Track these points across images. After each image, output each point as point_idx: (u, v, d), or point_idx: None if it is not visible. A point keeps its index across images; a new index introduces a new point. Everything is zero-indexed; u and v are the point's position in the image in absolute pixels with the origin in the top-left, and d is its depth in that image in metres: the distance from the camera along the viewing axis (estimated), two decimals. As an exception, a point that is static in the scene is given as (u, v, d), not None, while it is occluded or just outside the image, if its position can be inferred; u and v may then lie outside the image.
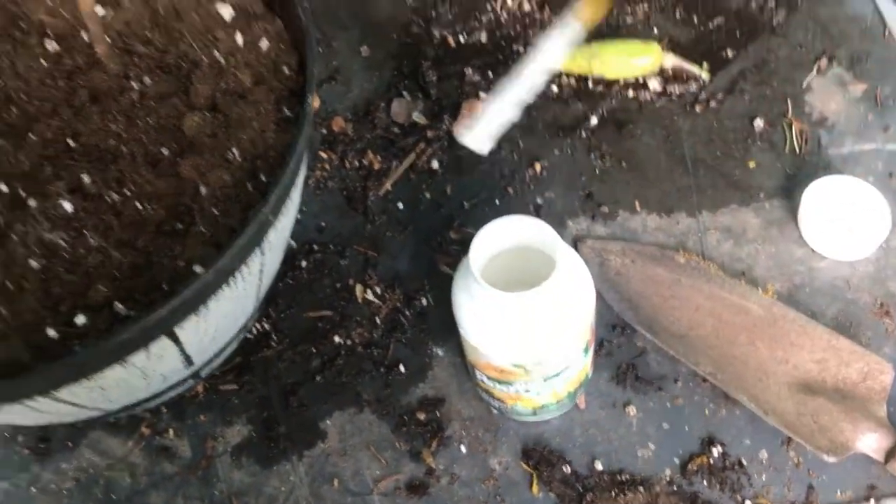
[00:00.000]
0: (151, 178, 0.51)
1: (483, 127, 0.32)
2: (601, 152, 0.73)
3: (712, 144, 0.72)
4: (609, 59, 0.75)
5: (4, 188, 0.51)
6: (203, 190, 0.51)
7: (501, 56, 0.78)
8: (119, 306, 0.48)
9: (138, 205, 0.51)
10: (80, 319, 0.47)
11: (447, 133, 0.74)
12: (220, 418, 0.63)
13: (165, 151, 0.53)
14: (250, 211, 0.50)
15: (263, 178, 0.51)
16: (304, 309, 0.67)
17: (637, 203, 0.70)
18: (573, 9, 0.27)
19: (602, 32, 0.77)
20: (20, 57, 0.56)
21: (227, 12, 0.57)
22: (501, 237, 0.52)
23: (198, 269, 0.49)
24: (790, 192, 0.69)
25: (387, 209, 0.72)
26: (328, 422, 0.63)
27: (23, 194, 0.51)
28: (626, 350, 0.64)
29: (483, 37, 0.79)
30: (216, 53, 0.55)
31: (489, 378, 0.56)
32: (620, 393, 0.62)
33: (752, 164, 0.71)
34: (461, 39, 0.80)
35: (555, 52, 0.28)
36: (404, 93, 0.77)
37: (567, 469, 0.59)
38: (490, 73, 0.77)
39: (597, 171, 0.72)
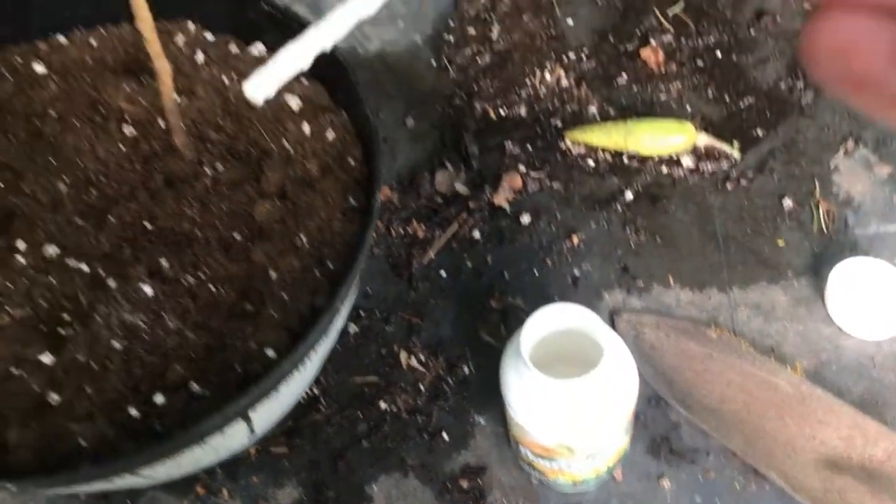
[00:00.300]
0: (225, 262, 0.55)
1: (268, 73, 0.28)
2: (636, 226, 0.76)
3: (743, 222, 0.76)
4: (644, 137, 0.78)
5: (86, 268, 0.55)
6: (273, 274, 0.55)
7: (540, 129, 0.82)
8: (195, 386, 0.51)
9: (212, 287, 0.54)
10: (159, 399, 0.51)
11: (488, 204, 0.78)
12: (272, 480, 0.66)
13: (237, 236, 0.56)
14: (317, 297, 0.53)
15: (330, 266, 0.55)
16: (352, 374, 0.70)
17: (671, 277, 0.74)
18: None
19: (637, 110, 0.81)
20: (100, 141, 0.59)
21: (294, 103, 0.60)
22: (551, 322, 0.55)
23: (270, 352, 0.52)
24: (818, 270, 0.72)
25: (430, 277, 0.75)
26: (374, 486, 0.66)
27: (103, 275, 0.55)
28: (660, 423, 0.67)
29: (523, 110, 0.83)
30: (285, 142, 0.59)
31: (533, 453, 0.59)
32: (655, 465, 0.65)
33: (780, 243, 0.74)
34: (502, 113, 0.83)
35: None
36: (447, 163, 0.81)
37: (605, 539, 0.62)
38: (529, 147, 0.81)
39: (632, 245, 0.76)
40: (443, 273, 0.75)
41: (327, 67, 0.61)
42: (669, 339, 0.70)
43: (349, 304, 0.57)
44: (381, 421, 0.68)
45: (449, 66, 0.86)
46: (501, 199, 0.78)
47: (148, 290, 0.53)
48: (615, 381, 0.54)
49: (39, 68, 0.62)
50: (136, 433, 0.49)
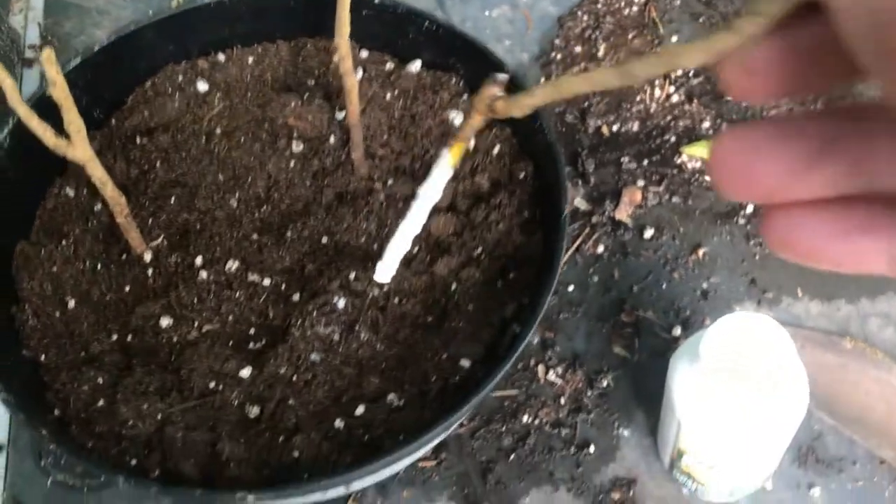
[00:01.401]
0: (407, 276, 0.55)
1: (391, 259, 0.37)
2: (759, 239, 0.77)
3: (864, 234, 0.77)
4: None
5: (268, 282, 0.56)
6: (455, 286, 0.55)
7: (653, 145, 0.83)
8: (392, 397, 0.52)
9: (397, 301, 0.55)
10: (360, 410, 0.51)
11: (610, 219, 0.79)
12: (423, 495, 0.67)
13: (416, 250, 0.57)
14: (506, 308, 0.54)
15: (512, 277, 0.56)
16: (492, 388, 0.71)
17: (799, 289, 0.75)
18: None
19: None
20: (269, 158, 0.60)
21: (458, 120, 0.61)
22: (733, 333, 0.56)
23: (465, 363, 0.53)
24: (943, 281, 0.74)
25: (558, 291, 0.76)
26: (526, 500, 0.66)
27: (288, 290, 0.55)
28: (804, 431, 0.68)
29: (635, 126, 0.84)
30: (452, 157, 0.60)
31: (694, 462, 0.60)
32: (803, 474, 0.66)
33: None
34: (614, 129, 0.84)
35: (435, 190, 0.33)
36: (565, 179, 0.82)
37: (764, 549, 0.63)
38: (645, 161, 0.82)
39: (757, 258, 0.77)
40: (570, 288, 0.76)
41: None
42: (805, 350, 0.71)
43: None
44: (526, 434, 0.69)
45: (559, 84, 0.87)
46: (623, 213, 0.79)
47: (341, 303, 0.53)
48: (793, 399, 0.55)
49: (202, 86, 0.63)
50: (343, 445, 0.49)
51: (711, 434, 0.56)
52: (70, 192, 0.59)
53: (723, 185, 0.16)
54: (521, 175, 0.59)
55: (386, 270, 0.40)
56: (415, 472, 0.68)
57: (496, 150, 0.60)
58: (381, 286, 0.55)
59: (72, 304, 0.55)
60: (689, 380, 0.57)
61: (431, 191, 0.35)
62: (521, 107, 0.26)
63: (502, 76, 0.28)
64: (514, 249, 0.56)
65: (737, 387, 0.53)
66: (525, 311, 0.54)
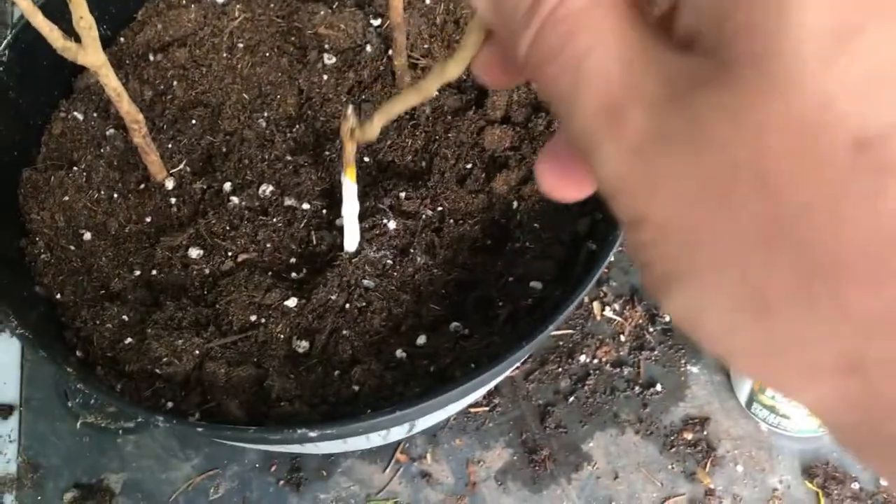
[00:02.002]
0: (463, 195, 0.49)
1: (350, 231, 0.44)
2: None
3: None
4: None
5: (307, 206, 0.50)
6: (516, 204, 0.49)
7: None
8: (455, 324, 0.46)
9: (453, 221, 0.49)
10: (421, 339, 0.45)
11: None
12: (477, 442, 0.61)
13: (469, 166, 0.51)
14: (579, 223, 0.48)
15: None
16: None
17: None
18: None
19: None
20: (299, 72, 0.54)
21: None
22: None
23: (535, 284, 0.47)
24: None
25: (607, 224, 0.70)
26: (591, 444, 0.61)
27: (331, 214, 0.49)
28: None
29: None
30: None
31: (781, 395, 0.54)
32: (891, 406, 0.61)
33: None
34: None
35: (354, 207, 0.42)
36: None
37: (856, 486, 0.57)
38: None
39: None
40: (621, 219, 0.70)
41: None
42: None
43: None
44: (585, 375, 0.63)
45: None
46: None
47: (392, 224, 0.47)
48: None
49: (221, -4, 0.56)
50: (408, 375, 0.43)
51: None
52: (78, 115, 0.53)
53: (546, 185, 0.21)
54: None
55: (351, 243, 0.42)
56: (467, 418, 0.62)
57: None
58: (433, 207, 0.49)
59: (87, 236, 0.49)
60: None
61: (350, 207, 0.40)
62: (371, 132, 0.32)
63: (350, 108, 0.36)
64: (582, 160, 0.50)
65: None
66: (600, 227, 0.48)
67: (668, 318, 0.65)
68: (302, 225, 0.49)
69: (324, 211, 0.49)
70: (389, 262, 0.47)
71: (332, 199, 0.50)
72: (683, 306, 0.17)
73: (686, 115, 0.16)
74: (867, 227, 0.15)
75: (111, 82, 0.45)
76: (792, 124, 0.15)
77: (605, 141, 0.17)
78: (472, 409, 0.62)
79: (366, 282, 0.46)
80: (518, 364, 0.61)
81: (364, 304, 0.45)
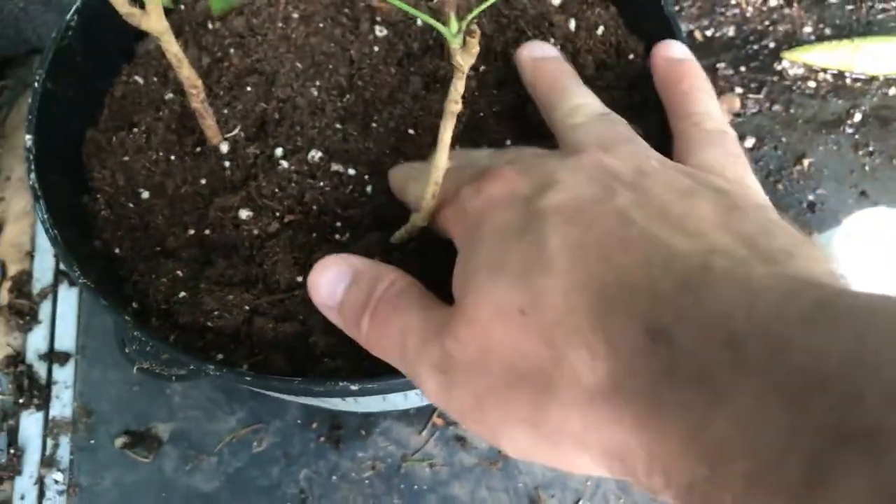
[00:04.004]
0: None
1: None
2: (869, 149, 0.71)
3: None
4: (876, 56, 0.73)
5: (353, 172, 0.51)
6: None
7: (751, 50, 0.77)
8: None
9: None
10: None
11: (706, 127, 0.73)
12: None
13: (507, 142, 0.52)
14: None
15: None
16: None
17: (915, 201, 0.69)
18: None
19: (854, 30, 0.76)
20: (351, 43, 0.55)
21: None
22: (867, 228, 0.50)
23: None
24: None
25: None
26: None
27: (376, 180, 0.51)
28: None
29: (731, 31, 0.78)
30: (551, 40, 0.55)
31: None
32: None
33: None
34: (708, 34, 0.78)
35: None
36: (655, 86, 0.76)
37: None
38: (743, 68, 0.76)
39: (866, 168, 0.71)
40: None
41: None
42: (924, 263, 0.66)
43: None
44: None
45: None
46: (720, 121, 0.73)
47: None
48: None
49: (278, -33, 0.58)
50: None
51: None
52: (139, 79, 0.55)
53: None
54: (631, 55, 0.54)
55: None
56: (501, 389, 0.64)
57: (600, 30, 0.55)
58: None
59: (145, 195, 0.51)
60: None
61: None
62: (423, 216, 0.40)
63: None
64: (625, 137, 0.51)
65: (875, 285, 0.48)
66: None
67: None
68: (348, 190, 0.51)
69: (365, 176, 0.51)
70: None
71: (379, 166, 0.52)
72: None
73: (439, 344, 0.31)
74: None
75: (172, 48, 0.46)
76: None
77: (424, 381, 0.31)
78: (507, 379, 0.64)
79: (410, 245, 0.48)
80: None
81: (408, 270, 0.47)
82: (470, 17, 0.35)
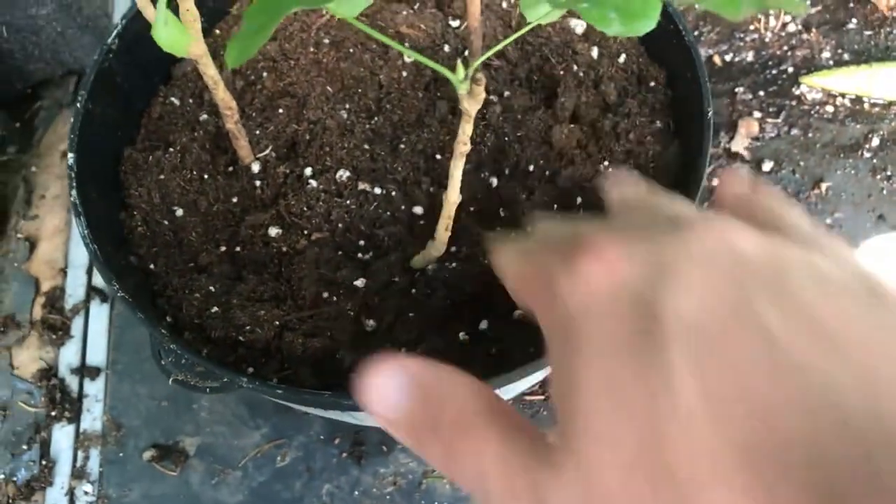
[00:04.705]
0: (529, 186, 0.52)
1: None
2: (887, 174, 0.72)
3: None
4: (891, 80, 0.74)
5: (379, 191, 0.53)
6: (579, 199, 0.52)
7: (769, 75, 0.78)
8: (518, 312, 0.49)
9: (521, 213, 0.51)
10: (484, 325, 0.48)
11: (725, 151, 0.74)
12: (532, 428, 0.64)
13: (535, 166, 0.53)
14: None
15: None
16: None
17: (933, 225, 0.70)
18: None
19: (872, 55, 0.77)
20: (381, 68, 0.57)
21: (580, 27, 0.58)
22: (882, 254, 0.51)
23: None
24: None
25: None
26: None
27: (401, 200, 0.52)
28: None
29: (750, 56, 0.80)
30: (574, 66, 0.56)
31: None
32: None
33: None
34: (727, 59, 0.80)
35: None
36: (675, 111, 0.77)
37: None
38: (761, 93, 0.77)
39: (884, 192, 0.72)
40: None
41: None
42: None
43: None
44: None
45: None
46: (739, 146, 0.75)
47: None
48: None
49: (309, -5, 0.60)
50: (469, 356, 0.46)
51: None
52: (175, 101, 0.57)
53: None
54: (652, 83, 0.55)
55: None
56: (522, 406, 0.64)
57: (622, 58, 0.56)
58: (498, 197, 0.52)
59: (180, 213, 0.53)
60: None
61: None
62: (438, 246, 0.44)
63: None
64: (647, 160, 0.52)
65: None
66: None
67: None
68: (373, 207, 0.52)
69: (393, 193, 0.52)
70: (455, 249, 0.50)
71: (405, 186, 0.53)
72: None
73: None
74: None
75: (209, 71, 0.48)
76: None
77: None
78: (528, 397, 0.65)
79: (428, 269, 0.49)
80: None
81: (429, 291, 0.48)
82: (475, 63, 0.37)
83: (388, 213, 0.52)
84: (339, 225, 0.52)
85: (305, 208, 0.52)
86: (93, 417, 0.67)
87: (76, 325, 0.72)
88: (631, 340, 0.23)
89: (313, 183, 0.53)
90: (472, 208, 0.52)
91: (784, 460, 0.20)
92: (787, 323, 0.22)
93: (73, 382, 0.69)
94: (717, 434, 0.21)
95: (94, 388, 0.69)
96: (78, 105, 0.50)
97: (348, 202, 0.52)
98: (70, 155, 0.48)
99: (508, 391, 0.52)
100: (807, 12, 0.80)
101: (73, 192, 0.47)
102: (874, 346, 0.22)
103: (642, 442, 0.22)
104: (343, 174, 0.53)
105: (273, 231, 0.52)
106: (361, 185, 0.53)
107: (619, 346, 0.23)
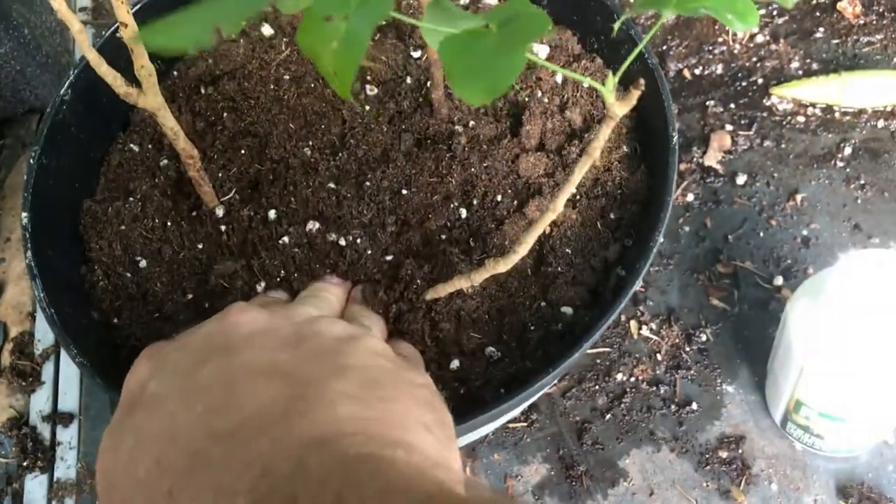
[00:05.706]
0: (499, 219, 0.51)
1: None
2: (860, 182, 0.72)
3: (977, 171, 0.71)
4: (863, 90, 0.74)
5: (343, 242, 0.51)
6: (549, 229, 0.51)
7: (740, 87, 0.78)
8: (491, 350, 0.48)
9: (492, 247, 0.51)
10: (455, 364, 0.47)
11: (698, 165, 0.74)
12: (515, 457, 0.63)
13: (502, 196, 0.53)
14: (609, 250, 0.50)
15: (613, 217, 0.51)
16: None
17: (908, 234, 0.69)
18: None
19: (840, 64, 0.77)
20: (343, 102, 0.56)
21: (543, 52, 0.57)
22: (862, 270, 0.51)
23: (566, 310, 0.48)
24: None
25: (645, 244, 0.71)
26: (627, 461, 0.62)
27: (364, 246, 0.51)
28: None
29: (719, 69, 0.79)
30: (539, 93, 0.56)
31: (818, 412, 0.55)
32: (928, 428, 0.61)
33: None
34: (696, 72, 0.79)
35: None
36: (646, 126, 0.77)
37: (891, 508, 0.58)
38: (732, 105, 0.77)
39: (859, 202, 0.71)
40: (660, 239, 0.71)
41: (574, 12, 0.58)
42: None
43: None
44: (621, 393, 0.64)
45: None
46: (712, 159, 0.74)
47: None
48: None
49: (267, 30, 0.59)
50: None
51: (837, 379, 0.51)
52: (134, 147, 0.56)
53: None
54: (617, 109, 0.55)
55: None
56: (505, 433, 0.64)
57: (586, 84, 0.56)
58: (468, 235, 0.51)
59: (143, 263, 0.52)
60: (813, 322, 0.52)
61: None
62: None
63: None
64: (615, 187, 0.52)
65: (868, 327, 0.48)
66: (631, 253, 0.49)
67: (704, 338, 0.66)
68: (340, 257, 0.51)
69: (358, 241, 0.51)
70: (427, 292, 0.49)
71: (369, 229, 0.52)
72: None
73: None
74: None
75: (168, 122, 0.47)
76: None
77: None
78: (511, 425, 0.64)
79: (400, 306, 0.48)
80: (554, 383, 0.63)
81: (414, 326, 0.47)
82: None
83: (353, 258, 0.51)
84: (311, 275, 0.51)
85: (278, 263, 0.50)
86: (67, 465, 0.66)
87: (47, 371, 0.71)
88: None
89: (286, 239, 0.51)
90: (442, 236, 0.51)
91: None
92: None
93: (45, 430, 0.68)
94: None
95: (67, 435, 0.67)
96: (31, 161, 0.49)
97: (318, 254, 0.51)
98: (24, 214, 0.47)
99: (480, 431, 0.51)
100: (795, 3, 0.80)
101: (28, 254, 0.46)
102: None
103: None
104: (313, 226, 0.52)
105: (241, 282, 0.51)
106: (330, 237, 0.51)
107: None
